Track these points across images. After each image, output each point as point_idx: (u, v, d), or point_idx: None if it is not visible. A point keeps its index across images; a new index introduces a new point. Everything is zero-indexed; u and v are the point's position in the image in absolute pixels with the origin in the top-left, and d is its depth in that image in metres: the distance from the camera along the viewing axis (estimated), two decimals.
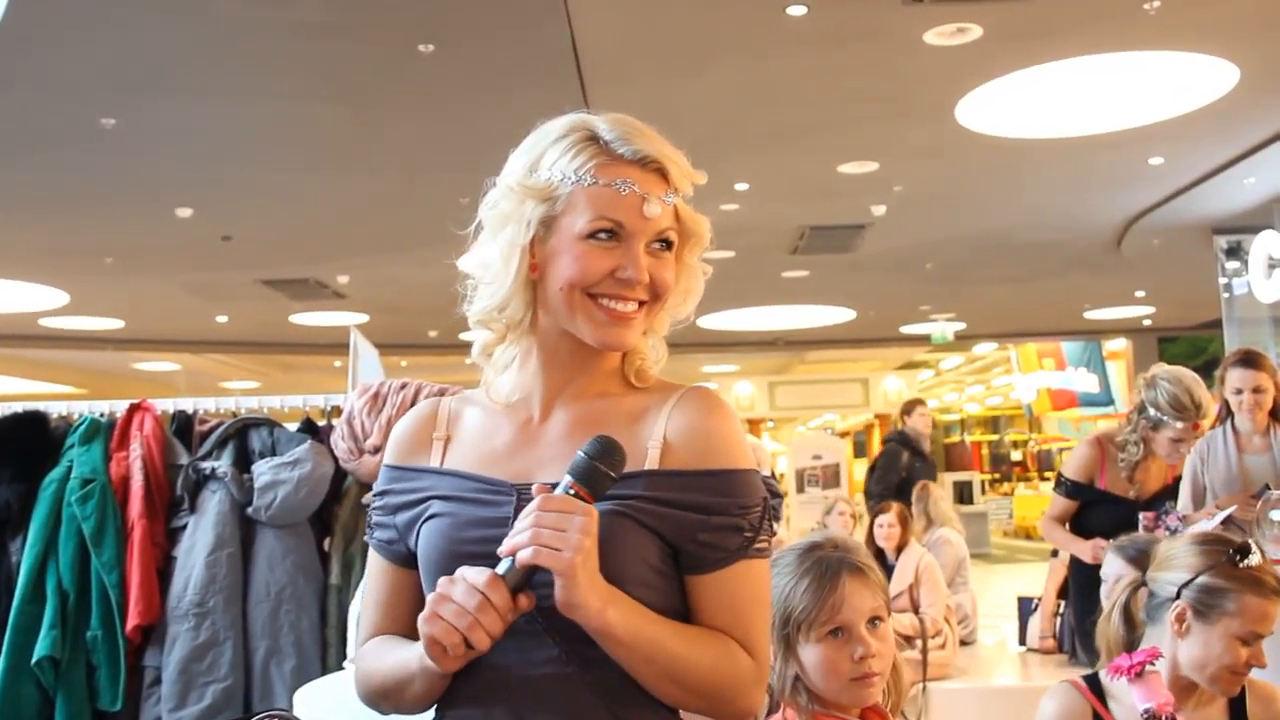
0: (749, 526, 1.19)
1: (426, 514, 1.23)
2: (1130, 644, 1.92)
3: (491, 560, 1.14)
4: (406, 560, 1.26)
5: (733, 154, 6.45)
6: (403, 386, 3.12)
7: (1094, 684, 1.90)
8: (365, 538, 1.31)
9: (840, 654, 1.58)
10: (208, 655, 2.81)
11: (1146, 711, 1.63)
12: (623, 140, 1.19)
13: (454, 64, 5.05)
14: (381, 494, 1.29)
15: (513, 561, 1.10)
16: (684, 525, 1.17)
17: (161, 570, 2.90)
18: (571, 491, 1.11)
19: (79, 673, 2.82)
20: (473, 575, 1.09)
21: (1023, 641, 5.79)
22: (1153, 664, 1.64)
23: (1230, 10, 4.71)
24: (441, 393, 3.10)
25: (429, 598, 1.11)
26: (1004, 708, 4.28)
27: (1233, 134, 6.39)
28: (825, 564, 1.62)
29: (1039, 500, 16.58)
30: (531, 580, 1.10)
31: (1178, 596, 1.88)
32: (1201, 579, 1.87)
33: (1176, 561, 1.92)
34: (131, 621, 2.81)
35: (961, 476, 16.60)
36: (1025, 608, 5.94)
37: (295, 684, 2.82)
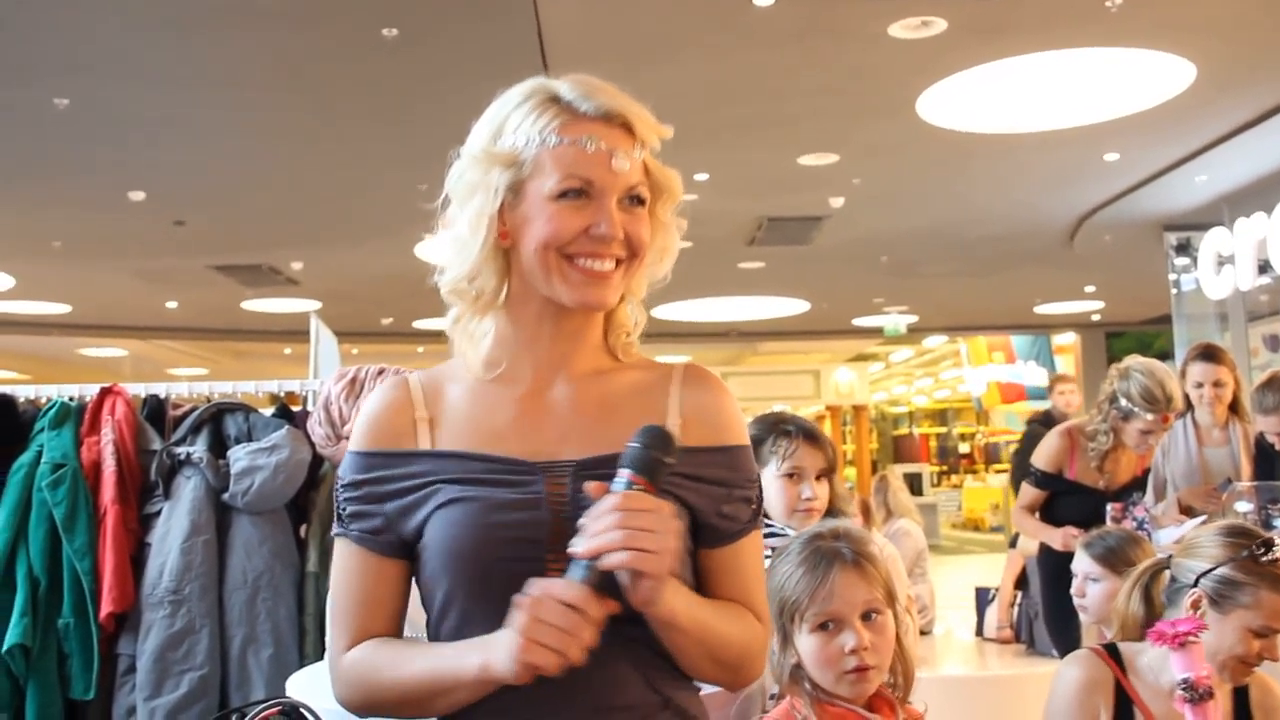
0: (754, 499, 1.25)
1: (438, 500, 1.16)
2: (1148, 624, 1.94)
3: (531, 546, 1.12)
4: (397, 550, 1.19)
5: (694, 144, 6.45)
6: (380, 372, 3.09)
7: (1114, 654, 1.93)
8: (336, 530, 1.22)
9: (831, 645, 1.57)
10: (183, 643, 2.77)
11: (1185, 681, 1.64)
12: (584, 97, 1.17)
13: (417, 50, 4.98)
14: (358, 483, 1.20)
15: (588, 565, 1.05)
16: (711, 499, 1.21)
17: (135, 557, 2.85)
18: (637, 486, 1.07)
19: (50, 661, 2.77)
20: (562, 591, 1.05)
21: (980, 632, 5.88)
22: (1196, 636, 1.66)
23: (1190, 9, 4.81)
24: None
25: (521, 623, 1.04)
26: (965, 697, 4.36)
27: (1187, 132, 6.52)
28: (819, 554, 1.62)
29: (987, 492, 16.84)
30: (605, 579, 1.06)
31: (1195, 584, 1.90)
32: (1221, 570, 1.89)
33: (1201, 550, 1.95)
34: (105, 609, 2.76)
35: (911, 469, 16.81)
36: (982, 598, 6.04)
37: (272, 672, 2.79)
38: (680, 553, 1.17)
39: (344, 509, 1.21)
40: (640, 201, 1.20)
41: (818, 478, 2.26)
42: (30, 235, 8.27)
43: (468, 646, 1.12)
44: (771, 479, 2.25)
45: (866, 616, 1.59)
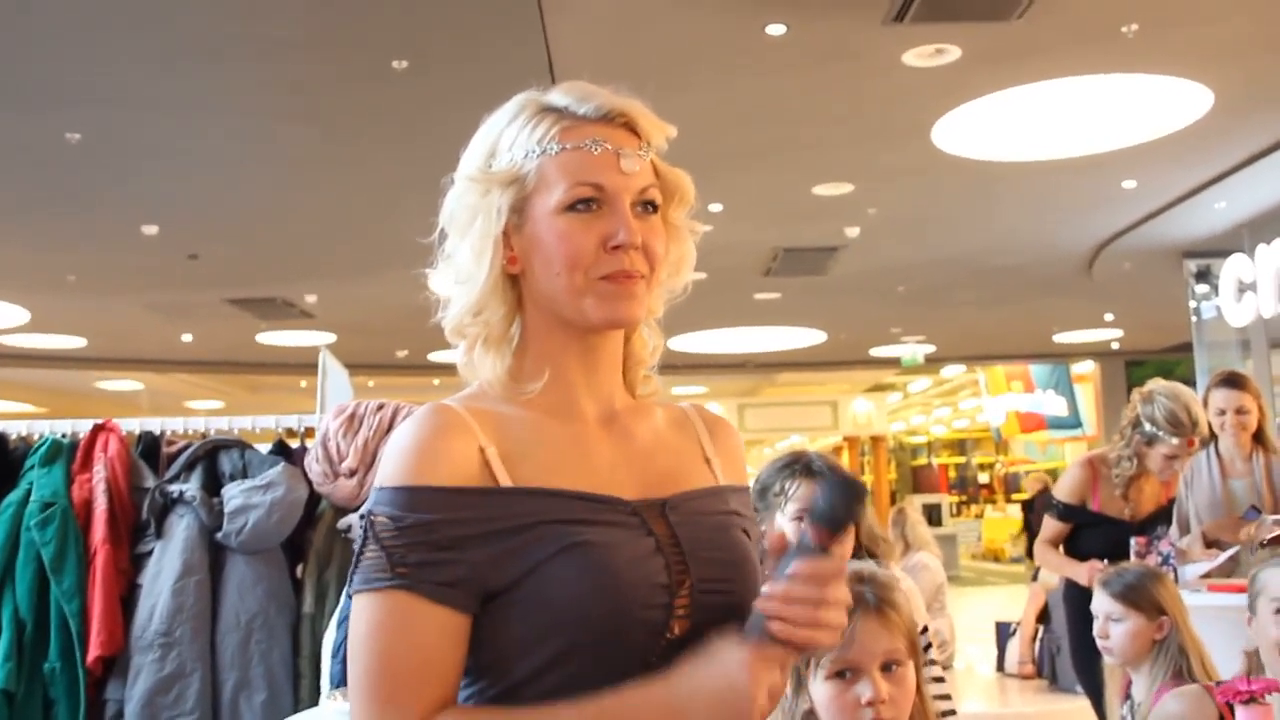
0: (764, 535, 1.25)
1: (552, 545, 1.02)
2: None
3: (663, 591, 1.04)
4: (476, 603, 1.02)
5: (707, 175, 6.29)
6: (380, 408, 3.03)
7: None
8: (386, 582, 1.00)
9: (846, 695, 1.48)
10: (174, 688, 2.68)
11: None
12: (581, 100, 1.09)
13: (428, 81, 4.98)
14: (428, 524, 1.01)
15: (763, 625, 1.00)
16: (754, 537, 1.19)
17: (125, 598, 2.78)
18: (821, 547, 1.00)
19: (35, 707, 2.69)
20: (772, 673, 1.00)
21: (1001, 667, 5.74)
22: (1263, 697, 1.62)
23: (1207, 34, 4.75)
24: None
25: (752, 690, 0.97)
26: None
27: (1205, 158, 6.45)
28: None
29: (1007, 523, 16.66)
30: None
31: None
32: (1251, 572, 2.01)
33: None
34: (93, 653, 2.68)
35: (930, 499, 16.65)
36: (1003, 633, 5.91)
37: (266, 718, 2.71)
38: None
39: (403, 556, 1.00)
40: (653, 208, 1.11)
41: None
42: (45, 269, 8.32)
43: (634, 709, 1.00)
44: (786, 523, 2.09)
45: (886, 668, 1.50)
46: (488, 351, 1.12)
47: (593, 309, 1.07)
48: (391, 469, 1.04)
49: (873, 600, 1.53)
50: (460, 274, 1.11)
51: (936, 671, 1.89)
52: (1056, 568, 3.79)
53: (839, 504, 1.01)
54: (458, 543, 1.00)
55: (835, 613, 0.99)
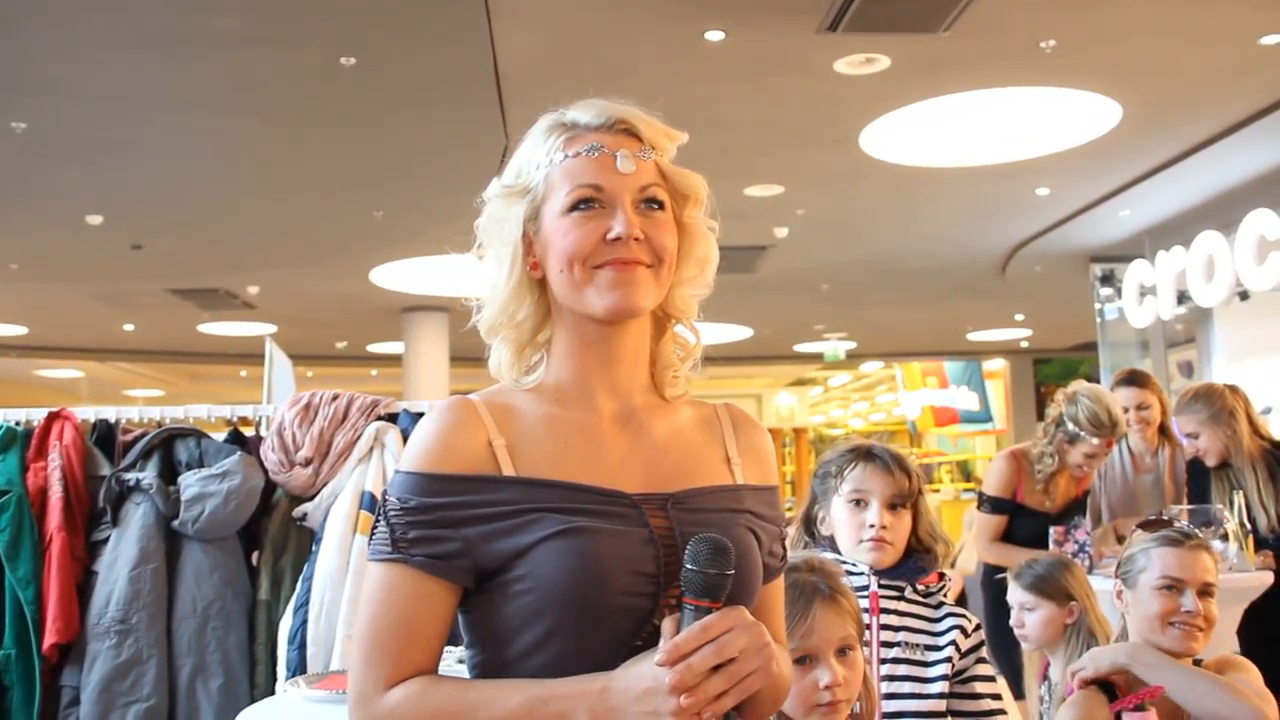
0: (785, 537, 1.29)
1: (543, 530, 1.09)
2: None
3: (650, 581, 1.09)
4: (465, 577, 1.11)
5: None
6: (335, 398, 3.08)
7: (1109, 692, 1.97)
8: (386, 555, 1.11)
9: (805, 680, 1.55)
10: (130, 674, 2.70)
11: None
12: (585, 112, 1.18)
13: (375, 78, 5.00)
14: (428, 507, 1.11)
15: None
16: (769, 537, 1.22)
17: (81, 586, 2.78)
18: (704, 610, 1.04)
19: None
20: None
21: None
22: (1153, 700, 1.74)
23: (1119, 53, 5.02)
24: (374, 404, 3.08)
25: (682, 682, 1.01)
26: None
27: (1113, 168, 6.76)
28: (799, 589, 1.59)
29: None
30: None
31: (1117, 575, 2.07)
32: (1126, 553, 2.07)
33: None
34: (49, 639, 2.68)
35: None
36: None
37: (222, 703, 2.75)
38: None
39: (403, 533, 1.10)
40: (658, 205, 1.18)
41: (891, 507, 1.96)
42: None
43: (573, 697, 1.05)
44: (840, 506, 2.01)
45: (841, 652, 1.58)
46: (513, 352, 1.22)
47: (595, 298, 1.15)
48: (406, 455, 1.16)
49: (826, 590, 1.61)
50: (492, 280, 1.21)
51: (987, 671, 1.91)
52: (1015, 559, 3.84)
53: (707, 565, 1.04)
54: (455, 523, 1.10)
55: (740, 668, 1.02)
